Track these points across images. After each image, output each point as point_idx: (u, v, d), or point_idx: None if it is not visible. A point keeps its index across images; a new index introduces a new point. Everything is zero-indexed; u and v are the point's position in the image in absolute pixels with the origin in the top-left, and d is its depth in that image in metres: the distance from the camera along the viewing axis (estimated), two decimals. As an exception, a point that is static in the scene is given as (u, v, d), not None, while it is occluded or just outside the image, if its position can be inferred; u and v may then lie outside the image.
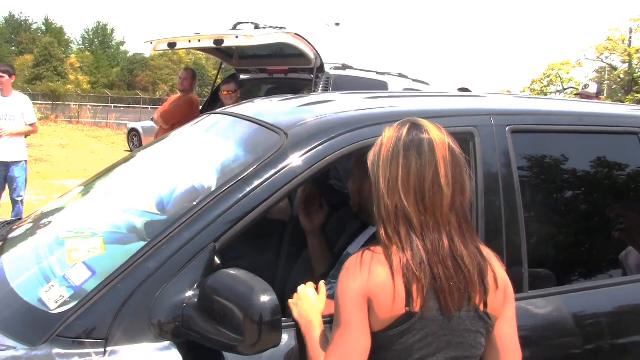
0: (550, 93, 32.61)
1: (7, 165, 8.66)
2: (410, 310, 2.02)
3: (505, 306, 2.21)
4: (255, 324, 2.03)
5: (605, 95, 23.96)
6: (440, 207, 2.09)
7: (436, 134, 2.14)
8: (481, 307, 2.12)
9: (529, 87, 34.14)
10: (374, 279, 2.04)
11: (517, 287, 2.70)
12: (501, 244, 2.71)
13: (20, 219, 3.79)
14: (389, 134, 2.18)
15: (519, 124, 2.95)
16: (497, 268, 2.19)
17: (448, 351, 2.10)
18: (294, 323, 2.33)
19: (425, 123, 2.19)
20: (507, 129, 2.86)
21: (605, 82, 33.64)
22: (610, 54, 33.36)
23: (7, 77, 8.68)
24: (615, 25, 33.13)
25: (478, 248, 2.16)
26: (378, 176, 2.14)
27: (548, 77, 33.57)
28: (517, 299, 2.64)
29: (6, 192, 8.92)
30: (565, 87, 32.77)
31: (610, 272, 3.29)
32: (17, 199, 8.77)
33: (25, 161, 8.92)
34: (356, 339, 2.04)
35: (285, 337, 2.24)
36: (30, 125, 8.89)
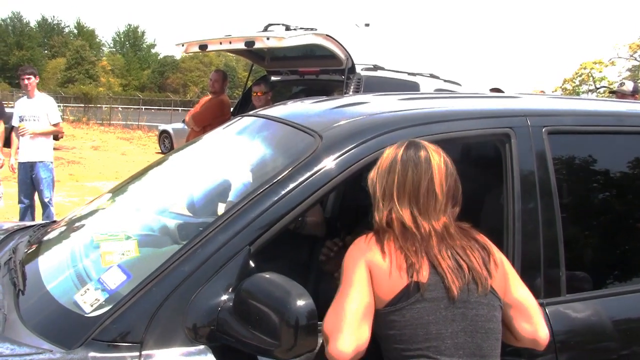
0: (582, 92, 32.29)
1: (32, 166, 8.70)
2: (413, 280, 2.15)
3: (506, 278, 2.33)
4: (292, 328, 2.02)
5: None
6: (434, 210, 2.28)
7: (433, 151, 2.33)
8: (488, 285, 2.23)
9: (560, 87, 33.81)
10: (375, 250, 2.22)
11: (555, 290, 2.68)
12: (538, 247, 2.68)
13: (54, 222, 3.81)
14: (388, 152, 2.37)
15: (555, 124, 2.90)
16: (495, 253, 2.34)
17: (465, 325, 2.17)
18: None
19: (423, 142, 2.36)
20: (543, 130, 2.82)
21: (639, 81, 33.22)
22: (644, 52, 32.93)
23: (33, 78, 8.76)
24: (650, 24, 32.65)
25: (476, 239, 2.32)
26: (375, 188, 2.35)
27: (580, 76, 33.24)
28: (554, 303, 2.64)
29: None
30: (598, 86, 32.40)
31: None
32: (45, 200, 8.79)
33: (51, 162, 8.93)
34: (352, 295, 2.16)
35: (321, 341, 2.22)
36: (55, 125, 8.92)
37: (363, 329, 2.13)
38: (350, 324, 2.11)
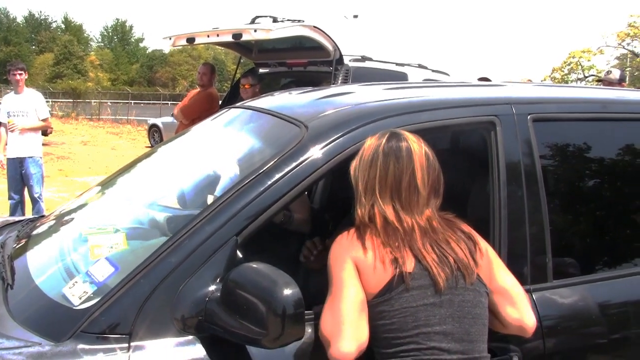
0: (571, 81, 32.34)
1: (21, 161, 8.74)
2: (398, 271, 2.16)
3: (490, 266, 2.35)
4: (279, 317, 2.03)
5: (627, 82, 23.64)
6: (416, 204, 2.28)
7: (414, 142, 2.32)
8: (475, 275, 2.25)
9: (549, 76, 33.85)
10: (358, 246, 2.23)
11: (541, 277, 2.69)
12: (524, 234, 2.69)
13: (43, 216, 3.80)
14: (369, 142, 2.36)
15: (540, 112, 2.91)
16: (480, 242, 2.36)
17: (453, 311, 2.19)
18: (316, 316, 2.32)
19: (404, 133, 2.36)
20: (528, 117, 2.82)
21: (627, 69, 33.27)
22: (632, 40, 33.00)
23: (24, 74, 8.84)
24: (637, 12, 32.75)
25: (461, 229, 2.33)
26: (357, 180, 2.33)
27: (569, 65, 33.28)
28: (541, 289, 2.65)
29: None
30: (586, 74, 32.45)
31: (635, 261, 3.23)
32: (35, 195, 8.84)
33: (41, 157, 8.99)
34: (345, 294, 2.17)
35: (308, 330, 2.25)
36: (43, 120, 8.98)
37: (362, 327, 2.15)
38: (348, 324, 2.12)
